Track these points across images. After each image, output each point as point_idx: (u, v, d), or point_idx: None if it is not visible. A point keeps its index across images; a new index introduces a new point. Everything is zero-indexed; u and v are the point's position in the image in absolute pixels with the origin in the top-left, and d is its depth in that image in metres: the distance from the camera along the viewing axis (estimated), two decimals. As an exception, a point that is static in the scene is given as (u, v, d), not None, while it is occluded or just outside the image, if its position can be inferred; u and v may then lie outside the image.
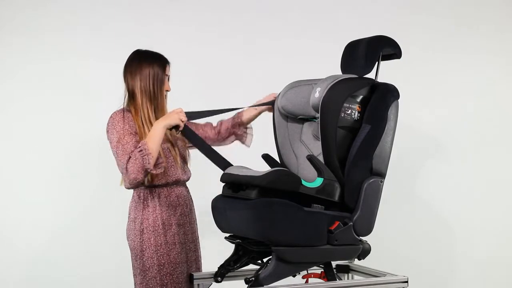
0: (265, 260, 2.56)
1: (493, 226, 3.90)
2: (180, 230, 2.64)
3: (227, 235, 2.62)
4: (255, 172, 2.43)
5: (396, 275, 2.61)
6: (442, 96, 3.92)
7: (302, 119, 2.75)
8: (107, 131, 2.58)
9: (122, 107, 2.65)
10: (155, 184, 2.61)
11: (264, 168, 2.49)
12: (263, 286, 2.35)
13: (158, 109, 2.63)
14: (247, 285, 2.39)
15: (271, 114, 2.83)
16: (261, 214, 2.34)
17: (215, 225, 2.60)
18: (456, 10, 3.95)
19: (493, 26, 3.94)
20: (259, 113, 2.89)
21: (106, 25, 3.71)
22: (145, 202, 2.60)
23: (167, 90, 2.68)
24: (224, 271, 2.60)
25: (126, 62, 2.69)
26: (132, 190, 2.67)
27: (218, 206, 2.56)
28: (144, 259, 2.56)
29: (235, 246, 2.61)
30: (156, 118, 2.57)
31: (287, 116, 2.78)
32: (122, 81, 2.69)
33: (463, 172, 3.90)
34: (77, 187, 3.65)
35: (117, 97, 3.67)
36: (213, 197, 2.61)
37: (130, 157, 2.44)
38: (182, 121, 2.52)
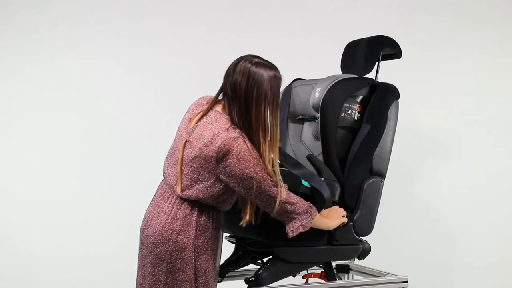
0: (265, 260, 2.56)
1: (493, 226, 3.89)
2: (216, 256, 2.32)
3: (227, 235, 2.62)
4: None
5: (396, 275, 2.61)
6: (442, 96, 3.91)
7: (302, 119, 2.75)
8: (229, 155, 2.10)
9: (239, 131, 2.14)
10: (216, 208, 2.26)
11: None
12: (263, 286, 2.35)
13: (273, 145, 2.18)
14: (247, 285, 2.39)
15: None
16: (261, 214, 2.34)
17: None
18: (456, 10, 3.94)
19: (493, 26, 3.94)
20: None
21: (106, 24, 3.71)
22: (199, 219, 2.21)
23: None
24: (224, 271, 2.60)
25: (241, 64, 2.18)
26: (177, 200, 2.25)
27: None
28: (179, 278, 2.20)
29: (235, 246, 2.61)
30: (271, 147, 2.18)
31: (287, 116, 2.78)
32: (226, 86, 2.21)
33: (463, 172, 3.90)
34: (77, 187, 3.65)
35: (118, 96, 3.71)
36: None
37: (302, 213, 2.22)
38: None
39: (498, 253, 3.88)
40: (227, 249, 2.63)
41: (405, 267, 2.88)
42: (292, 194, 2.22)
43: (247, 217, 2.22)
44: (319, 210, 2.33)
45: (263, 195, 2.15)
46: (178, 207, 2.22)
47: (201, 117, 2.23)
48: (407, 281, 2.58)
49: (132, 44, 3.71)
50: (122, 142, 3.69)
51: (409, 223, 3.88)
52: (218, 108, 2.24)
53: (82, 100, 3.66)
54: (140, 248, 2.30)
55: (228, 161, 2.10)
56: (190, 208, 2.21)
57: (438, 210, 3.91)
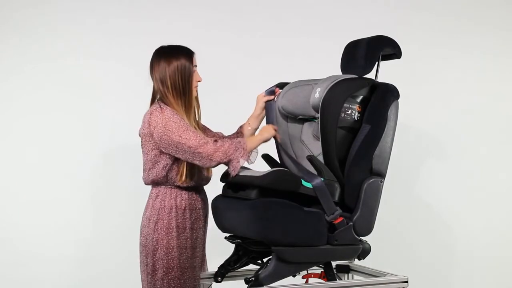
0: (265, 260, 2.56)
1: (493, 225, 3.90)
2: (193, 235, 2.59)
3: (227, 235, 2.62)
4: (255, 172, 2.43)
5: (396, 275, 2.61)
6: (442, 95, 3.92)
7: (302, 119, 2.75)
8: (155, 125, 2.48)
9: (158, 104, 2.55)
10: (177, 185, 2.58)
11: (265, 168, 2.49)
12: (263, 286, 2.35)
13: (187, 107, 2.57)
14: (247, 285, 2.39)
15: (269, 120, 2.82)
16: (261, 214, 2.34)
17: (215, 225, 2.60)
18: (456, 10, 3.95)
19: (493, 26, 3.95)
20: (255, 129, 2.85)
21: (106, 24, 3.70)
22: (163, 202, 2.56)
23: (198, 81, 2.64)
24: (224, 271, 2.60)
25: (152, 60, 2.63)
26: (150, 187, 2.67)
27: (218, 206, 2.56)
28: (154, 259, 2.53)
29: (235, 246, 2.61)
30: (187, 116, 2.54)
31: (287, 116, 2.78)
32: (149, 78, 2.66)
33: (463, 172, 3.90)
34: (77, 187, 3.65)
35: (118, 96, 3.71)
36: (213, 197, 2.62)
37: (217, 140, 2.45)
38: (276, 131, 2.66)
39: (498, 253, 3.89)
40: (227, 249, 2.64)
41: (405, 267, 2.88)
42: (218, 142, 2.44)
43: (183, 178, 2.53)
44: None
45: (196, 154, 2.42)
46: (147, 206, 2.62)
47: None
48: (407, 281, 2.58)
49: (132, 44, 3.71)
50: (122, 142, 3.69)
51: (409, 223, 3.88)
52: None
53: (82, 100, 3.66)
54: None
55: (159, 131, 2.46)
56: (151, 203, 2.59)
57: (438, 210, 3.91)
